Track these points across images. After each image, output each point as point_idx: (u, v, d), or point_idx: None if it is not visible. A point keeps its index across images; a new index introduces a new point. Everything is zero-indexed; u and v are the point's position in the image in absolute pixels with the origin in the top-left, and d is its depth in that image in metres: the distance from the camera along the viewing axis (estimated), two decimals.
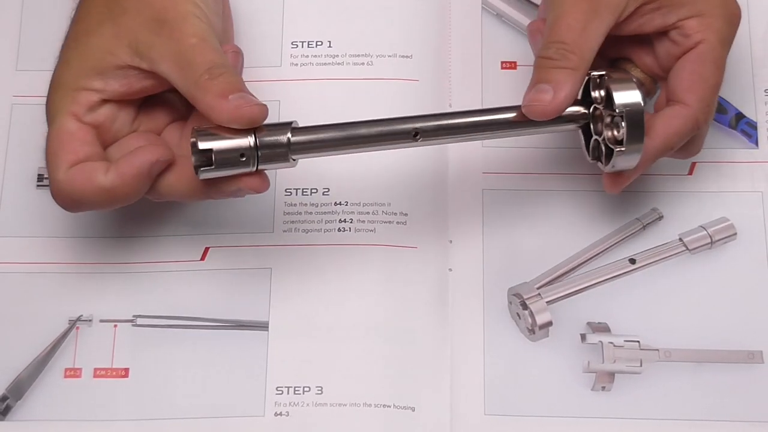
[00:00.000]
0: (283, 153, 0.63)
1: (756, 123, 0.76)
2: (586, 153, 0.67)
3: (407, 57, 0.78)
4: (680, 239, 0.74)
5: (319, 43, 0.79)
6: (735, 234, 0.74)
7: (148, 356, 0.71)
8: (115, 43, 0.65)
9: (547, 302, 0.72)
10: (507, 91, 0.77)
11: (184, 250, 0.73)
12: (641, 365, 0.71)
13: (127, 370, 0.71)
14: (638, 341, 0.71)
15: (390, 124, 0.64)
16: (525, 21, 0.77)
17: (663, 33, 0.67)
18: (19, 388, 0.71)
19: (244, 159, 0.63)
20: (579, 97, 0.66)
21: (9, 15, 0.77)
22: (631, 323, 0.72)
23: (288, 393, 0.71)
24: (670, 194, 0.75)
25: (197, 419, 0.70)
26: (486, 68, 0.78)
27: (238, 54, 0.69)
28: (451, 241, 0.74)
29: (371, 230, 0.74)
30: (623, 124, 0.64)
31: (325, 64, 0.78)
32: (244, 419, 0.70)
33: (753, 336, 0.71)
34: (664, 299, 0.73)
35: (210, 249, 0.74)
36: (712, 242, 0.73)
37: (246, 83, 0.75)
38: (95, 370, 0.71)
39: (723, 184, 0.75)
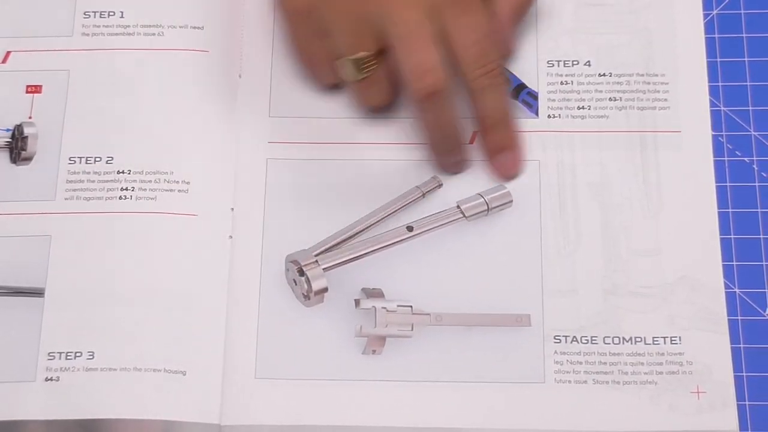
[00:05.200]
0: None
1: (537, 93, 0.77)
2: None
3: (198, 28, 0.78)
4: (458, 206, 0.74)
5: (112, 13, 0.79)
6: (511, 201, 0.74)
7: None
8: None
9: (323, 269, 0.72)
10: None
11: None
12: (412, 329, 0.71)
13: None
14: (411, 306, 0.72)
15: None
16: None
17: None
18: None
19: None
20: None
21: None
22: (407, 289, 0.73)
23: (60, 358, 0.71)
24: None
25: None
26: (277, 40, 0.78)
27: None
28: (232, 209, 0.74)
29: (152, 198, 0.74)
30: None
31: (116, 34, 0.79)
32: (14, 384, 0.70)
33: (523, 301, 0.72)
34: (440, 265, 0.73)
35: None
36: (488, 209, 0.74)
37: (35, 52, 0.75)
38: None
39: None
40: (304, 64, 0.75)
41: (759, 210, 0.74)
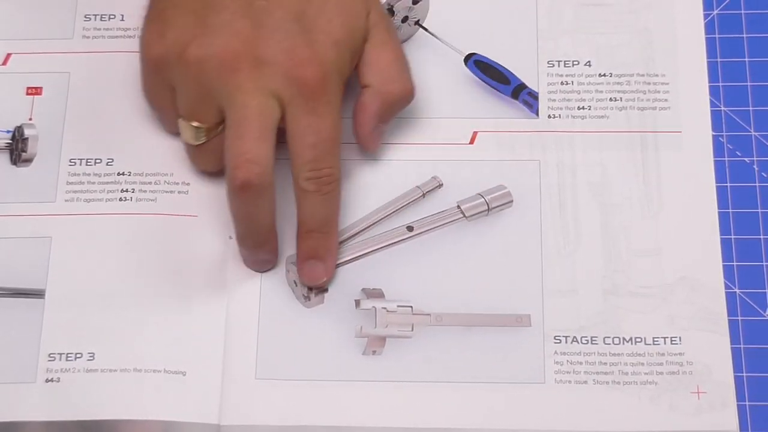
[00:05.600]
0: None
1: (537, 93, 0.77)
2: None
3: None
4: (458, 206, 0.74)
5: (112, 16, 0.79)
6: (511, 201, 0.74)
7: None
8: None
9: None
10: None
11: None
12: (413, 329, 0.71)
13: None
14: (411, 306, 0.72)
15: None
16: None
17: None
18: None
19: None
20: None
21: None
22: (407, 289, 0.73)
23: (60, 359, 0.71)
24: (451, 162, 0.76)
25: None
26: None
27: None
28: None
29: (152, 200, 0.75)
30: None
31: (116, 37, 0.79)
32: (15, 385, 0.71)
33: (523, 301, 0.72)
34: (440, 265, 0.73)
35: None
36: (489, 209, 0.74)
37: (36, 55, 0.76)
38: None
39: (503, 153, 0.76)
40: (151, 108, 0.75)
41: (759, 210, 0.74)
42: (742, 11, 0.79)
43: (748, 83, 0.77)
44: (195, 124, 0.71)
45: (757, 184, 0.75)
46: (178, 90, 0.71)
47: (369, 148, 0.74)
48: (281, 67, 0.68)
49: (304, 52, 0.69)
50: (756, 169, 0.75)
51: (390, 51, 0.73)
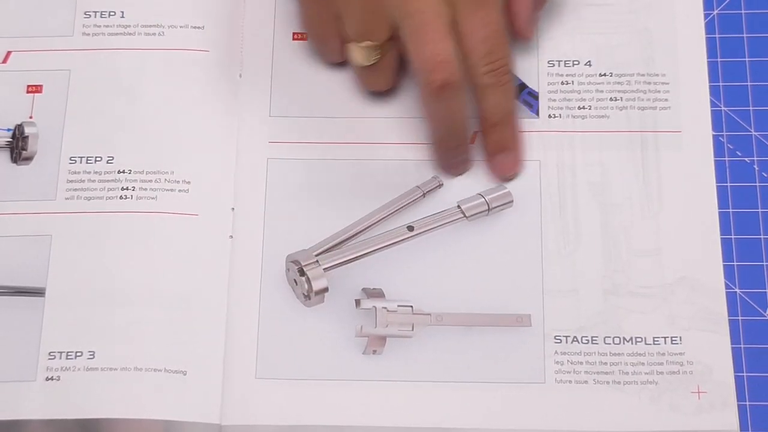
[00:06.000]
0: None
1: (537, 93, 0.77)
2: None
3: (199, 28, 0.78)
4: (458, 206, 0.74)
5: (112, 13, 0.79)
6: (511, 201, 0.74)
7: None
8: None
9: (324, 269, 0.72)
10: (299, 62, 0.77)
11: None
12: (413, 329, 0.71)
13: None
14: (411, 306, 0.72)
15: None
16: None
17: None
18: None
19: None
20: None
21: None
22: (407, 289, 0.73)
23: (60, 358, 0.71)
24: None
25: None
26: (278, 40, 0.78)
27: None
28: (233, 209, 0.74)
29: (153, 198, 0.75)
30: None
31: (116, 34, 0.79)
32: (14, 384, 0.71)
33: (523, 300, 0.72)
34: (440, 265, 0.73)
35: None
36: (489, 209, 0.74)
37: (36, 52, 0.75)
38: None
39: None
40: (313, 41, 0.76)
41: (759, 210, 0.74)
42: (742, 11, 0.79)
43: (748, 83, 0.77)
44: (366, 44, 0.71)
45: (757, 184, 0.75)
46: (345, 13, 0.72)
47: (527, 34, 0.75)
48: None
49: None
50: (756, 169, 0.75)
51: None
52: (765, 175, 0.75)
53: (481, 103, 0.73)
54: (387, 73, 0.74)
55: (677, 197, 0.74)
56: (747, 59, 0.78)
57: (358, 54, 0.72)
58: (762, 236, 0.73)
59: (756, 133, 0.76)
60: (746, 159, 0.75)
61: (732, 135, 0.76)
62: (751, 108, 0.76)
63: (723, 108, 0.77)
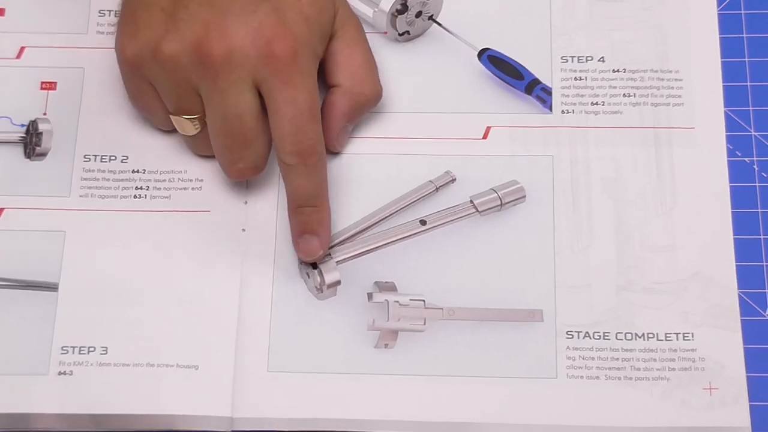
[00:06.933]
0: None
1: (551, 89, 0.77)
2: None
3: None
4: (471, 201, 0.74)
5: None
6: (524, 197, 0.74)
7: None
8: None
9: (336, 262, 0.73)
10: None
11: None
12: (425, 323, 0.71)
13: None
14: (423, 300, 0.72)
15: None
16: None
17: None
18: None
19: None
20: None
21: None
22: (420, 283, 0.73)
23: (73, 352, 0.71)
24: (464, 157, 0.76)
25: None
26: None
27: None
28: (246, 203, 0.75)
29: (166, 197, 0.75)
30: None
31: None
32: (28, 377, 0.71)
33: (535, 296, 0.72)
34: (452, 259, 0.73)
35: (5, 210, 0.74)
36: (501, 204, 0.74)
37: (50, 49, 0.76)
38: None
39: (516, 148, 0.76)
40: (138, 110, 0.75)
41: (759, 210, 0.73)
42: (742, 11, 0.79)
43: (748, 83, 0.77)
44: (187, 117, 0.70)
45: (757, 184, 0.74)
46: (159, 87, 0.71)
47: (335, 147, 0.75)
48: (252, 48, 0.68)
49: (273, 29, 0.68)
50: (756, 169, 0.75)
51: (360, 51, 0.74)
52: (765, 175, 0.75)
53: (285, 183, 0.70)
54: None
55: (690, 193, 0.74)
56: (747, 59, 0.77)
57: (181, 125, 0.72)
58: (762, 236, 0.73)
59: (756, 133, 0.75)
60: (746, 159, 0.75)
61: (732, 135, 0.76)
62: (751, 108, 0.76)
63: (723, 108, 0.76)
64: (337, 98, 0.73)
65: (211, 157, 0.74)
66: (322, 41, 0.71)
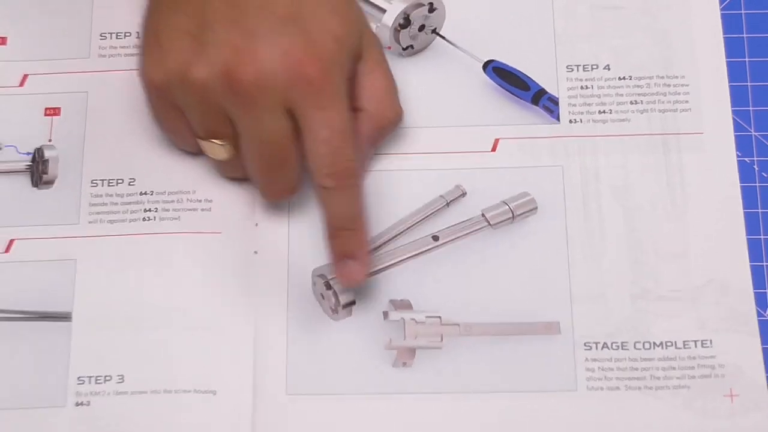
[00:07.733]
0: None
1: (557, 98, 0.77)
2: None
3: None
4: (482, 214, 0.74)
5: (128, 34, 0.79)
6: (536, 208, 0.74)
7: None
8: None
9: None
10: None
11: None
12: (442, 340, 0.71)
13: None
14: (439, 317, 0.72)
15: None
16: None
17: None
18: None
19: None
20: None
21: None
22: (434, 299, 0.72)
23: (89, 383, 0.71)
24: (474, 171, 0.76)
25: None
26: None
27: None
28: (257, 225, 0.74)
29: (176, 218, 0.74)
30: None
31: (132, 54, 0.79)
32: (45, 410, 0.70)
33: (551, 307, 0.72)
34: (466, 274, 0.73)
35: (15, 241, 0.74)
36: (513, 217, 0.74)
37: (52, 75, 0.75)
38: None
39: (525, 160, 0.76)
40: (165, 134, 0.74)
41: (759, 210, 0.74)
42: (742, 11, 0.79)
43: (748, 83, 0.77)
44: (218, 142, 0.70)
45: (757, 184, 0.74)
46: (189, 113, 0.70)
47: (362, 168, 0.74)
48: (282, 71, 0.67)
49: (303, 50, 0.68)
50: (756, 169, 0.75)
51: (384, 75, 0.73)
52: (765, 175, 0.75)
53: (322, 207, 0.69)
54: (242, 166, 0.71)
55: (702, 199, 0.74)
56: (747, 59, 0.77)
57: (210, 150, 0.71)
58: (762, 236, 0.73)
59: (756, 133, 0.75)
60: (746, 159, 0.75)
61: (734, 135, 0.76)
62: (751, 108, 0.76)
63: (731, 112, 0.76)
64: (362, 124, 0.72)
65: (242, 179, 0.73)
66: (351, 61, 0.70)
